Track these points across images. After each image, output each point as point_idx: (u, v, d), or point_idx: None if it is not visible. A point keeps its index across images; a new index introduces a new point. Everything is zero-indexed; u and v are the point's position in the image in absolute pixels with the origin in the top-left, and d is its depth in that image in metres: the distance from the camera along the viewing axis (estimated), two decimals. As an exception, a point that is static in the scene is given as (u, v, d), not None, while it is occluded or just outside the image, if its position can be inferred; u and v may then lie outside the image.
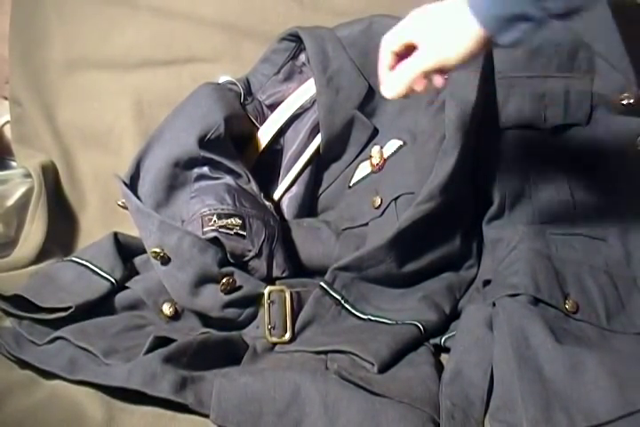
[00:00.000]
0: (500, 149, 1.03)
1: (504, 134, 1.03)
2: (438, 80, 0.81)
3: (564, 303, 0.91)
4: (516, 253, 0.97)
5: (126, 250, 1.07)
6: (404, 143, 1.07)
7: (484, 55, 1.00)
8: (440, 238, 1.02)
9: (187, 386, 0.81)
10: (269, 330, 0.95)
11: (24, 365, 0.89)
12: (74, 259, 1.04)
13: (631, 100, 1.00)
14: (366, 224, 1.08)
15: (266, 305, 0.95)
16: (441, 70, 0.79)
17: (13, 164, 1.29)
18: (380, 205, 1.06)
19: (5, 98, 1.30)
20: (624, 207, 1.02)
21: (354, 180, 1.13)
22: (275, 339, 0.95)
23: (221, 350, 0.91)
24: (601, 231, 1.01)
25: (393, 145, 1.08)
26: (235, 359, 0.91)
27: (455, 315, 0.99)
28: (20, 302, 0.97)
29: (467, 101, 0.99)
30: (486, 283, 0.99)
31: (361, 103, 1.11)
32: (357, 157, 1.13)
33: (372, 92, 1.11)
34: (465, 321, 0.93)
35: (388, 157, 1.08)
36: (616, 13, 0.99)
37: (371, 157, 1.11)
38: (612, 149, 1.03)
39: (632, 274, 0.97)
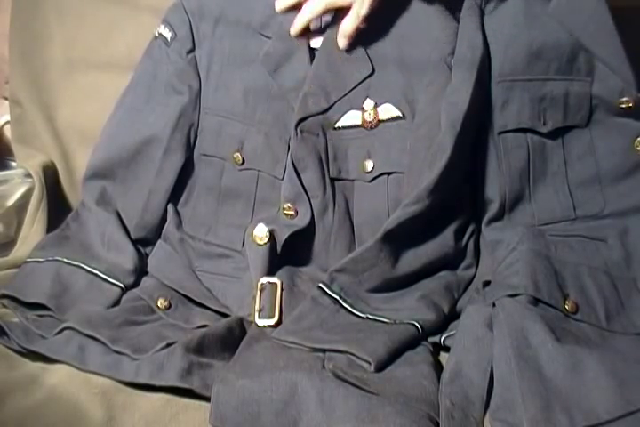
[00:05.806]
0: (499, 152, 1.03)
1: (503, 137, 1.03)
2: None
3: (564, 304, 0.91)
4: (516, 254, 0.97)
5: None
6: (403, 116, 1.05)
7: (481, 58, 1.01)
8: (433, 239, 1.03)
9: (193, 371, 0.84)
10: (258, 313, 0.99)
11: (34, 357, 0.90)
12: (83, 266, 1.07)
13: (630, 104, 1.01)
14: (352, 180, 1.07)
15: (258, 292, 1.00)
16: None
17: (13, 164, 1.29)
18: (370, 171, 1.05)
19: (5, 98, 1.30)
20: (624, 208, 1.03)
21: (340, 123, 1.07)
22: (262, 322, 0.98)
23: (221, 342, 0.92)
24: (600, 232, 1.01)
25: (389, 110, 1.05)
26: (235, 350, 0.92)
27: (454, 315, 0.99)
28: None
29: (459, 105, 0.99)
30: (486, 284, 0.99)
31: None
32: (346, 95, 1.07)
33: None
34: (465, 321, 0.93)
35: (382, 121, 1.05)
36: (615, 16, 1.00)
37: (364, 109, 1.06)
38: (612, 150, 1.04)
39: (632, 275, 0.97)
